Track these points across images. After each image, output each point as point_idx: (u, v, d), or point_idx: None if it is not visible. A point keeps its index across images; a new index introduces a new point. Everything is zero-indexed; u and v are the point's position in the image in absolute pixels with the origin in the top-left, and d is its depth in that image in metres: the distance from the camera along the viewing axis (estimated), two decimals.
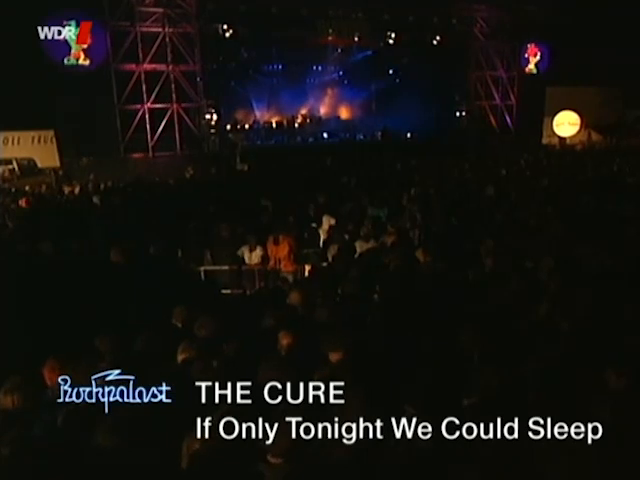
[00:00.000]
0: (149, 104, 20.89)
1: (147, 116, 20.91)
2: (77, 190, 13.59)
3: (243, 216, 8.39)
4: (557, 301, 3.88)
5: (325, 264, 6.81)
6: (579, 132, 27.46)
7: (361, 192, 10.27)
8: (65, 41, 19.10)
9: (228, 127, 25.30)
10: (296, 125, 26.95)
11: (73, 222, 9.13)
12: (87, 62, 19.61)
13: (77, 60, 19.48)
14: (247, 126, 25.99)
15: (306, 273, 6.89)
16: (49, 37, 18.52)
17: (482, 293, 4.32)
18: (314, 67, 27.83)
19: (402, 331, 3.65)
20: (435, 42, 26.12)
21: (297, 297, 4.04)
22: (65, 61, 19.34)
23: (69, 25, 18.74)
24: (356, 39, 24.90)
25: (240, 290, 6.47)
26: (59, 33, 18.60)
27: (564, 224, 6.59)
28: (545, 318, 3.74)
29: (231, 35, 22.30)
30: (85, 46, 19.43)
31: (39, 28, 18.31)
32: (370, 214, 8.72)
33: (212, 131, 22.86)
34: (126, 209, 10.01)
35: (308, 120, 27.57)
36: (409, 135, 27.16)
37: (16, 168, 20.36)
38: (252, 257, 7.10)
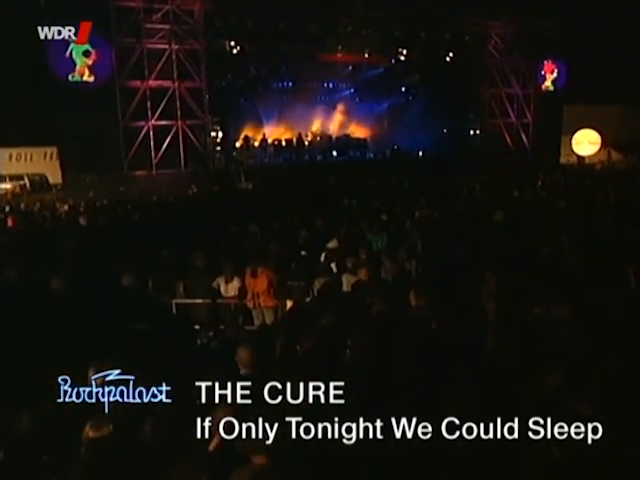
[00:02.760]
0: (153, 121, 20.56)
1: (151, 133, 20.56)
2: (68, 209, 13.10)
3: (226, 242, 7.69)
4: (569, 370, 3.05)
5: (309, 299, 6.08)
6: (599, 151, 26.49)
7: (361, 216, 9.49)
8: (70, 57, 18.92)
9: (237, 144, 24.97)
10: (306, 143, 26.47)
11: (51, 245, 8.57)
12: (91, 79, 19.41)
13: (81, 76, 19.29)
14: (256, 143, 25.57)
15: (287, 309, 6.16)
16: (49, 37, 18.07)
17: (478, 352, 3.52)
18: (324, 84, 27.56)
19: (371, 408, 2.86)
20: (448, 59, 25.53)
21: (245, 356, 3.28)
22: (69, 77, 19.15)
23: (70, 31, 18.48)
24: (366, 55, 24.41)
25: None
26: (59, 33, 18.28)
27: (582, 257, 5.74)
28: (554, 393, 2.91)
29: (238, 52, 21.97)
30: (90, 62, 19.22)
31: (39, 28, 17.99)
32: (368, 241, 7.97)
33: (217, 149, 22.43)
34: (110, 232, 9.42)
35: (318, 138, 27.12)
36: (421, 154, 26.46)
37: (27, 184, 20.23)
38: (228, 289, 6.37)
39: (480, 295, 4.47)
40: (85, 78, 19.33)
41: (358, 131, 28.79)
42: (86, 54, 19.08)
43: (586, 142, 26.66)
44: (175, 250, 7.34)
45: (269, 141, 25.65)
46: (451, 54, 25.46)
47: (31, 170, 20.65)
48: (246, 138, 25.06)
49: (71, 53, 18.89)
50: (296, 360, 3.43)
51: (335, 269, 6.28)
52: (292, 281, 6.39)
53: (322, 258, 6.67)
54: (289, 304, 6.13)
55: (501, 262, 5.34)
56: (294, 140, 26.06)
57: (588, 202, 10.92)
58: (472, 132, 27.67)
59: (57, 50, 18.70)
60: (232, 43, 21.81)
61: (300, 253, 7.43)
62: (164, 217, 10.84)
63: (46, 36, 18.17)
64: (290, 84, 26.43)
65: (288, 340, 3.59)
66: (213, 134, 21.99)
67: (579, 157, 26.65)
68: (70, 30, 18.54)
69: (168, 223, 9.85)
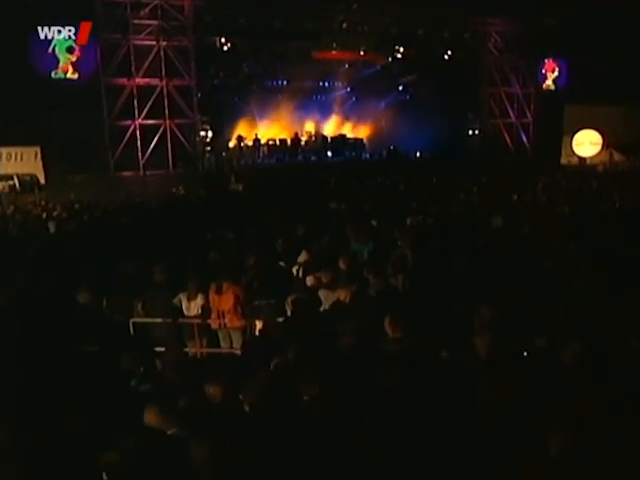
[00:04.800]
0: (140, 120, 19.82)
1: (138, 132, 19.82)
2: (43, 213, 12.40)
3: (196, 252, 6.95)
4: (577, 433, 2.35)
5: (281, 319, 5.36)
6: (601, 152, 25.80)
7: (347, 222, 8.72)
8: (52, 54, 18.21)
9: (231, 144, 24.29)
10: (302, 143, 25.77)
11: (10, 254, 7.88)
12: (75, 76, 18.68)
13: (65, 74, 18.56)
14: (250, 143, 24.84)
15: (256, 331, 5.45)
16: (49, 37, 17.94)
17: (466, 402, 2.81)
18: (320, 83, 26.91)
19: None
20: (446, 57, 24.81)
21: (152, 416, 2.57)
22: (52, 74, 18.42)
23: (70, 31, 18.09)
24: (362, 53, 23.68)
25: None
26: (59, 33, 18.02)
27: (594, 271, 4.99)
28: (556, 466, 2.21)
29: (229, 48, 21.26)
30: (74, 59, 18.51)
31: (39, 28, 17.75)
32: (352, 250, 7.26)
33: (207, 149, 21.70)
34: (76, 240, 8.71)
35: (313, 138, 26.39)
36: (418, 154, 25.75)
37: (17, 184, 19.64)
38: (191, 307, 5.66)
39: (472, 326, 3.74)
40: (69, 75, 18.60)
41: (354, 131, 28.11)
42: (70, 50, 18.37)
43: (587, 143, 25.99)
44: (140, 261, 6.64)
45: (263, 141, 24.92)
46: (449, 52, 24.75)
47: (22, 170, 20.10)
48: (239, 138, 24.37)
49: (54, 49, 18.18)
50: (237, 417, 2.72)
51: (310, 284, 5.57)
52: (262, 298, 5.63)
53: (297, 271, 5.97)
54: (259, 325, 5.44)
55: (498, 281, 4.62)
56: (289, 140, 25.36)
57: (593, 207, 10.22)
58: (471, 132, 26.95)
59: (39, 46, 18.01)
60: (223, 40, 21.09)
61: (278, 264, 6.72)
62: (139, 222, 10.10)
63: (46, 36, 17.85)
64: (285, 83, 25.77)
65: (232, 387, 2.87)
66: (202, 133, 21.26)
67: (580, 158, 26.00)
68: (70, 30, 18.20)
69: (141, 229, 9.15)
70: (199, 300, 5.60)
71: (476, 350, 3.46)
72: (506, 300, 4.12)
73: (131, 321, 5.71)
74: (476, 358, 3.39)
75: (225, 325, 5.51)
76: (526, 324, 3.81)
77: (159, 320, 5.65)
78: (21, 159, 20.42)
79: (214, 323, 5.55)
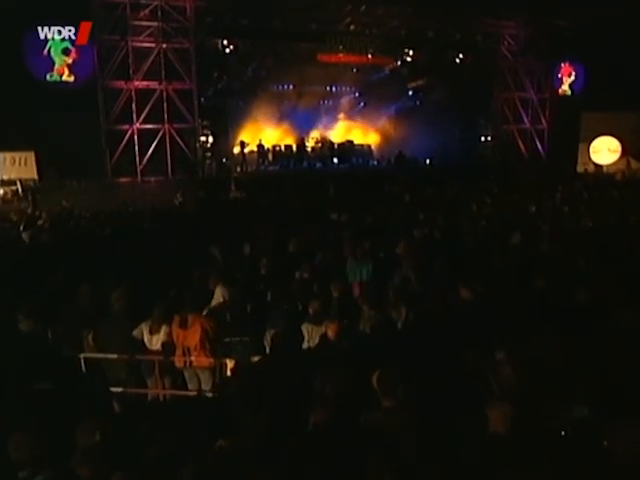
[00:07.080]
0: (139, 124, 19.11)
1: (136, 137, 19.10)
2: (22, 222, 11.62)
3: (168, 275, 6.09)
4: None
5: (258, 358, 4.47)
6: (618, 160, 24.69)
7: (346, 236, 7.80)
8: (48, 55, 17.59)
9: (235, 150, 23.55)
10: (308, 149, 25.00)
11: None
12: (71, 78, 18.00)
13: (60, 76, 17.90)
14: (254, 149, 24.10)
15: (228, 371, 4.56)
16: (49, 37, 17.51)
17: None
18: (327, 87, 26.22)
19: None
20: (458, 60, 23.89)
21: None
22: (47, 77, 17.77)
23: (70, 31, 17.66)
24: (370, 56, 22.84)
25: None
26: (59, 33, 17.55)
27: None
28: None
29: (232, 51, 20.53)
30: (70, 61, 17.87)
31: (39, 28, 17.33)
32: (351, 271, 6.38)
33: (208, 154, 20.94)
34: (48, 253, 7.91)
35: (319, 144, 25.62)
36: (428, 161, 24.80)
37: (19, 189, 19.15)
38: (153, 341, 4.78)
39: (489, 387, 2.82)
40: (65, 78, 17.91)
41: (362, 137, 27.31)
42: (65, 52, 17.70)
43: (605, 150, 24.86)
44: (105, 282, 5.79)
45: (267, 147, 24.15)
46: (461, 55, 23.79)
47: (24, 175, 19.59)
48: (242, 143, 23.60)
49: (49, 51, 17.56)
50: None
51: (291, 315, 4.68)
52: (235, 334, 4.74)
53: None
54: (230, 364, 4.56)
55: (521, 321, 3.69)
56: (294, 146, 24.59)
57: (619, 220, 9.23)
58: (483, 138, 25.93)
59: (34, 48, 17.41)
60: (225, 42, 20.35)
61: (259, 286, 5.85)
62: (122, 235, 9.27)
63: (46, 36, 17.33)
64: (290, 87, 25.09)
65: None
66: (203, 139, 20.48)
67: (596, 166, 24.91)
68: (70, 30, 17.64)
69: (121, 244, 8.32)
70: (162, 333, 4.73)
71: (490, 427, 2.55)
72: (532, 350, 3.20)
73: (82, 356, 4.86)
74: (490, 440, 2.48)
75: (191, 364, 4.63)
76: (561, 386, 2.88)
77: (114, 356, 4.79)
78: (25, 164, 19.94)
79: (179, 361, 4.67)
